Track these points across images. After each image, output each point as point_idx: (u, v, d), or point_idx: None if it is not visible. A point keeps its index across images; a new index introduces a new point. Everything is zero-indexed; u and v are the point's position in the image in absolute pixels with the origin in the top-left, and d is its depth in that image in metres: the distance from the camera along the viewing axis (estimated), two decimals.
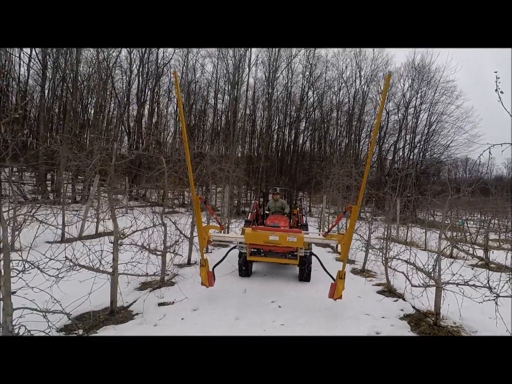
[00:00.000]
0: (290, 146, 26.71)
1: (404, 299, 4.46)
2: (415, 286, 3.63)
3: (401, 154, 25.72)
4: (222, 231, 4.71)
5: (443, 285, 3.44)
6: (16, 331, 2.14)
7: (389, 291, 4.88)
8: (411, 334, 3.33)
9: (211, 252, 6.96)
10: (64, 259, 3.01)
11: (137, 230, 4.00)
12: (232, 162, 10.20)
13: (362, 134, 26.71)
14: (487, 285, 2.97)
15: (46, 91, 16.22)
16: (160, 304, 3.83)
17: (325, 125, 26.57)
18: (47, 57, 15.63)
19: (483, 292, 3.02)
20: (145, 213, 4.77)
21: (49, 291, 2.51)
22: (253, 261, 5.18)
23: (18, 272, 2.28)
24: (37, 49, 15.27)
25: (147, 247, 4.37)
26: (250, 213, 6.31)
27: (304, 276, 5.14)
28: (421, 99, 24.14)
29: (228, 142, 20.08)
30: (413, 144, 25.14)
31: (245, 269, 5.23)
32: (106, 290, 3.47)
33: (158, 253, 4.59)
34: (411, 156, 25.18)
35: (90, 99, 20.94)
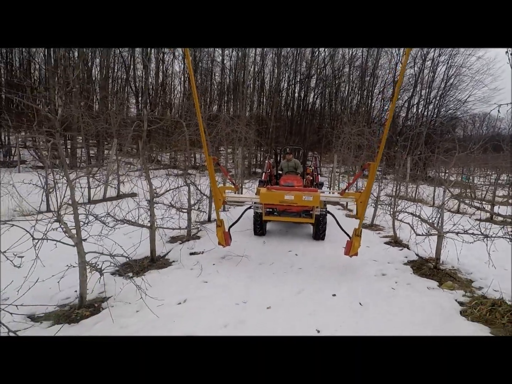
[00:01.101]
0: (300, 105, 26.11)
1: (408, 248, 4.91)
2: (419, 235, 4.04)
3: (415, 110, 24.92)
4: (237, 191, 4.77)
5: (444, 234, 3.84)
6: (88, 270, 2.68)
7: (395, 242, 5.33)
8: (413, 276, 3.81)
9: (227, 211, 7.35)
10: (106, 215, 3.49)
11: (169, 190, 4.44)
12: (244, 124, 10.33)
13: (375, 90, 25.79)
14: (484, 233, 3.35)
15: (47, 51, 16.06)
16: (191, 254, 4.38)
17: (337, 82, 25.59)
18: None
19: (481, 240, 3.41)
20: (161, 176, 5.18)
21: (102, 241, 3.03)
22: (267, 220, 5.31)
23: (83, 224, 2.77)
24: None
25: (175, 205, 4.86)
26: (264, 173, 6.31)
27: (319, 234, 5.22)
28: (439, 50, 22.70)
29: (237, 102, 19.81)
30: (428, 100, 24.25)
31: (260, 229, 5.36)
32: (143, 242, 3.97)
33: (183, 210, 5.07)
34: (425, 113, 24.43)
35: (94, 60, 20.48)
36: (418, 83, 23.81)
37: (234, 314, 2.70)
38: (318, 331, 2.49)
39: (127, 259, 2.95)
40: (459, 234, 3.71)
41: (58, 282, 2.66)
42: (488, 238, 3.26)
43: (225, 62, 24.59)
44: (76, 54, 17.22)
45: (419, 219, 4.14)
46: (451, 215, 4.31)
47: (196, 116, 3.07)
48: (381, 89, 25.43)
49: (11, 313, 2.07)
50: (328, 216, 4.95)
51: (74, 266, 2.63)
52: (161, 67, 23.10)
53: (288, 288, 3.30)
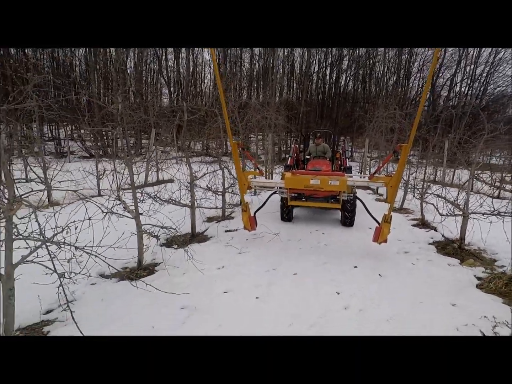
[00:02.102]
0: (331, 88, 25.45)
1: (435, 230, 5.00)
2: (443, 215, 4.16)
3: (458, 89, 23.23)
4: (262, 176, 4.71)
5: (468, 214, 3.93)
6: (146, 237, 3.23)
7: (422, 224, 5.42)
8: (436, 254, 3.98)
9: (258, 194, 7.70)
10: (155, 195, 4.05)
11: (206, 173, 4.93)
12: (274, 110, 10.55)
13: (414, 69, 24.37)
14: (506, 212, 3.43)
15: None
16: (226, 231, 4.87)
17: (371, 62, 24.51)
18: None
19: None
20: (194, 162, 5.64)
21: (153, 216, 3.59)
22: (294, 206, 5.24)
23: (139, 201, 3.32)
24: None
25: (211, 188, 5.37)
26: (289, 158, 6.22)
27: (347, 221, 5.12)
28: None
29: (266, 88, 19.89)
30: (473, 77, 22.44)
31: (286, 214, 5.35)
32: (184, 220, 4.50)
33: (219, 193, 5.56)
34: (470, 91, 22.69)
35: (128, 52, 21.42)
36: (462, 59, 22.10)
37: (265, 278, 3.15)
38: (338, 293, 2.85)
39: (174, 231, 3.48)
40: (485, 214, 3.80)
41: (125, 246, 3.25)
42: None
43: (254, 48, 24.53)
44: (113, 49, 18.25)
45: (445, 200, 4.25)
46: (480, 197, 4.35)
47: (222, 105, 3.12)
48: (420, 68, 23.98)
49: (86, 274, 2.65)
50: (358, 201, 4.75)
51: (135, 234, 3.20)
52: (191, 57, 23.67)
53: (314, 259, 3.67)
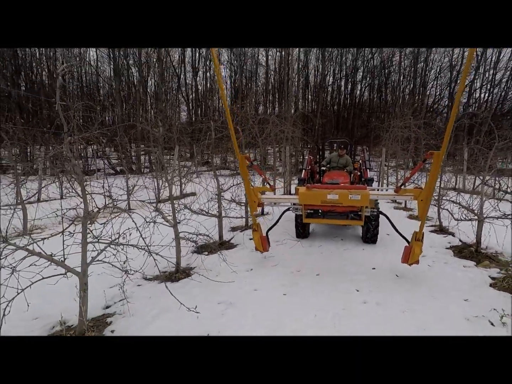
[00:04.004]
0: (346, 99, 25.80)
1: (453, 235, 5.16)
2: (457, 220, 4.35)
3: (477, 95, 22.94)
4: (273, 192, 4.43)
5: (483, 219, 4.11)
6: (185, 242, 3.66)
7: (440, 230, 5.58)
8: (453, 258, 4.16)
9: (266, 214, 6.99)
10: (184, 207, 4.51)
11: (232, 186, 5.36)
12: (290, 124, 10.99)
13: (431, 76, 24.32)
14: None
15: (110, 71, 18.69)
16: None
17: (386, 71, 24.73)
18: None
19: None
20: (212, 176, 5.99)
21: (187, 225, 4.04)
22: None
23: (177, 211, 3.78)
24: None
25: (235, 200, 5.79)
26: (303, 171, 5.73)
27: (370, 237, 4.74)
28: None
29: (282, 101, 20.52)
30: (493, 82, 22.13)
31: (302, 231, 5.04)
32: (211, 230, 4.92)
33: (242, 204, 5.98)
34: (490, 98, 22.34)
35: (148, 72, 22.71)
36: (481, 64, 21.90)
37: (290, 279, 3.49)
38: (358, 290, 3.14)
39: (208, 238, 3.90)
40: (499, 219, 3.98)
41: (169, 247, 3.69)
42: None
43: (269, 62, 25.45)
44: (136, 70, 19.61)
45: (459, 205, 4.44)
46: (495, 201, 4.51)
47: (226, 114, 2.86)
48: (437, 75, 23.92)
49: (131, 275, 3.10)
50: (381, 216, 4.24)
51: (175, 239, 3.64)
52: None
53: (334, 261, 3.98)
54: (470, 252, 4.29)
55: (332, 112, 24.73)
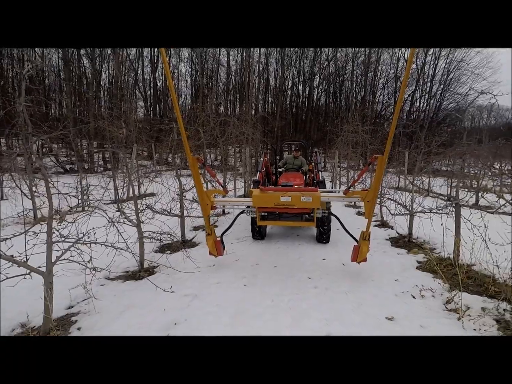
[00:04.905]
0: (304, 103, 26.99)
1: (392, 229, 5.88)
2: (393, 215, 5.02)
3: (418, 104, 25.55)
4: (227, 194, 4.32)
5: (414, 213, 4.81)
6: (149, 241, 3.77)
7: (382, 224, 6.30)
8: (390, 247, 4.79)
9: (228, 214, 7.04)
10: (147, 207, 4.60)
11: (194, 187, 5.50)
12: (250, 126, 11.37)
13: (380, 85, 26.46)
14: (442, 211, 4.32)
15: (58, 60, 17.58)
16: (223, 234, 5.42)
17: (340, 79, 26.37)
18: None
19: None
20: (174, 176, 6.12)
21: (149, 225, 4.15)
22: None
23: (141, 211, 3.88)
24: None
25: (197, 199, 5.95)
26: (258, 172, 5.65)
27: (323, 237, 4.91)
28: None
29: (243, 102, 20.89)
30: (430, 94, 24.84)
31: (258, 233, 5.11)
32: (174, 229, 5.06)
33: None
34: (427, 107, 25.04)
35: (104, 65, 21.54)
36: (420, 78, 24.41)
37: (250, 271, 3.81)
38: (310, 278, 3.56)
39: (172, 237, 4.05)
40: (426, 213, 4.68)
41: (129, 249, 3.76)
42: (443, 214, 4.23)
43: (230, 62, 25.69)
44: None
45: (395, 202, 5.12)
46: (423, 198, 5.27)
47: (176, 114, 2.77)
48: (384, 84, 26.09)
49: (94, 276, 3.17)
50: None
51: (139, 239, 3.74)
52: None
53: (290, 255, 4.39)
54: (404, 242, 4.98)
55: (291, 115, 25.70)
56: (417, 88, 24.71)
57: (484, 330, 2.46)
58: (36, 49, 18.05)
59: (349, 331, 2.51)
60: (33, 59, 17.83)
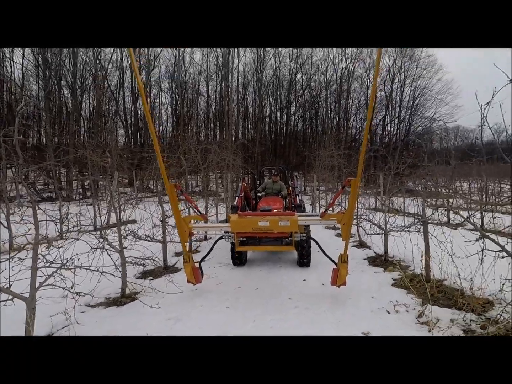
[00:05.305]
0: (282, 129, 28.09)
1: (369, 248, 6.13)
2: (369, 234, 5.30)
3: (389, 129, 27.33)
4: (204, 221, 4.31)
5: (388, 232, 5.11)
6: (132, 267, 3.78)
7: (360, 244, 6.56)
8: (368, 266, 5.00)
9: (210, 239, 7.04)
10: (130, 233, 4.63)
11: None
12: (231, 152, 11.70)
13: (352, 111, 28.13)
14: (410, 229, 4.63)
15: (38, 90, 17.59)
16: (201, 260, 5.44)
17: (316, 106, 27.86)
18: (40, 56, 16.95)
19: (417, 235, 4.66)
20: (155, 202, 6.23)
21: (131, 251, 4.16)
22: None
23: (124, 236, 3.91)
24: (29, 49, 16.68)
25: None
26: (237, 198, 5.55)
27: (304, 261, 4.89)
28: (404, 74, 25.47)
29: (223, 129, 21.47)
30: (399, 119, 26.72)
31: (238, 259, 5.02)
32: (159, 253, 5.07)
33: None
34: (397, 131, 26.82)
35: (84, 96, 21.76)
36: (389, 103, 26.29)
37: (232, 294, 3.88)
38: (290, 298, 3.66)
39: (155, 262, 4.08)
40: (398, 232, 4.99)
41: (113, 272, 3.73)
42: (413, 233, 4.54)
43: (209, 92, 26.60)
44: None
45: (370, 222, 5.42)
46: (395, 218, 5.62)
47: (154, 142, 2.83)
48: (357, 110, 27.80)
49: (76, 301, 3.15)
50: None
51: (122, 264, 3.74)
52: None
53: (271, 278, 4.50)
54: (381, 260, 5.22)
55: (270, 141, 26.57)
56: (387, 113, 26.54)
57: None
58: (16, 81, 18.05)
59: None
60: (27, 97, 17.79)
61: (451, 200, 6.38)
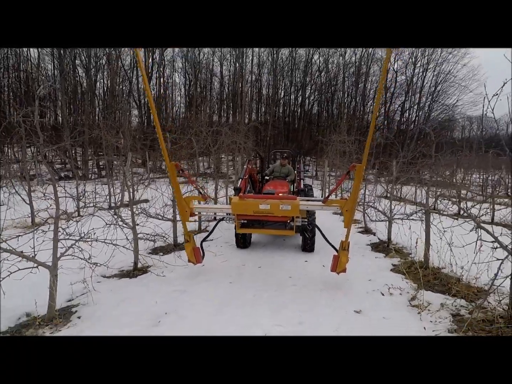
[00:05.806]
0: (296, 112, 27.65)
1: (374, 235, 6.24)
2: (373, 221, 5.39)
3: (407, 115, 26.43)
4: (207, 201, 4.26)
5: (392, 219, 5.19)
6: (143, 242, 4.06)
7: (366, 231, 6.67)
8: (370, 252, 5.14)
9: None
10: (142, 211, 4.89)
11: (186, 193, 5.82)
12: (243, 135, 11.76)
13: (371, 95, 27.30)
14: (412, 217, 4.70)
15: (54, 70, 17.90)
16: (203, 240, 5.74)
17: (332, 89, 27.14)
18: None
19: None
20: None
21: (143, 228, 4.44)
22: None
23: (137, 214, 4.17)
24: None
25: None
26: (241, 180, 5.35)
27: (307, 246, 4.93)
28: (428, 58, 24.29)
29: (236, 111, 21.38)
30: (419, 105, 25.76)
31: (242, 241, 5.06)
32: (170, 230, 5.35)
33: None
34: (417, 118, 25.92)
35: (98, 76, 21.90)
36: (410, 89, 25.31)
37: (236, 271, 4.13)
38: (290, 277, 3.87)
39: (165, 239, 4.35)
40: (403, 220, 5.07)
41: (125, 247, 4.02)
42: (416, 221, 4.62)
43: (223, 72, 26.31)
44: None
45: (376, 209, 5.50)
46: (401, 205, 5.67)
47: (155, 123, 2.90)
48: (374, 95, 26.92)
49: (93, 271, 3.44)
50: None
51: (134, 239, 4.02)
52: (162, 80, 24.83)
53: (274, 257, 4.72)
54: (384, 247, 5.34)
55: (283, 124, 26.27)
56: (407, 99, 25.62)
57: (439, 322, 2.80)
58: (31, 59, 18.41)
59: (318, 320, 2.85)
60: (43, 78, 18.19)
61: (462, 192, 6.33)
